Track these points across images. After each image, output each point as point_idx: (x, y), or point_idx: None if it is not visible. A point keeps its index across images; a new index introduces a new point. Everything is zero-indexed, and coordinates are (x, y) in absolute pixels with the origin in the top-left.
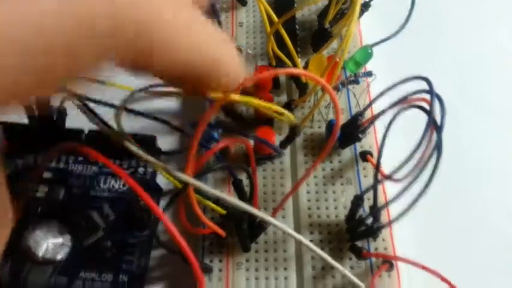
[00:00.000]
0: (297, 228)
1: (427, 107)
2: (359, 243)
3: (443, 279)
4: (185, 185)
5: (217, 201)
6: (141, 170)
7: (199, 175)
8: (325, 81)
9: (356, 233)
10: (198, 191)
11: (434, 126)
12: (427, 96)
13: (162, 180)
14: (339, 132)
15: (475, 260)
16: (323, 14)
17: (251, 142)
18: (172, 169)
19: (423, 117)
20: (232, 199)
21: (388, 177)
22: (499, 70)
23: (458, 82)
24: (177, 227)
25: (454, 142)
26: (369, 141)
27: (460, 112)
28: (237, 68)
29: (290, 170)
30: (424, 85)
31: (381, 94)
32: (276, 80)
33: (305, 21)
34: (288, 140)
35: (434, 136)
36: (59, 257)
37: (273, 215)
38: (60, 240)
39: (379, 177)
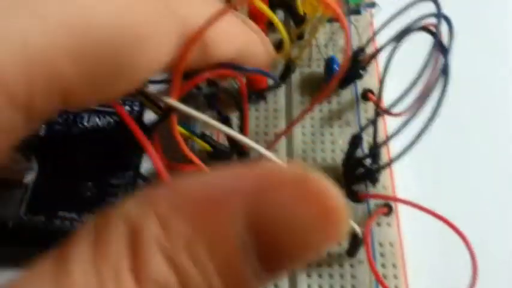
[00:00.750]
0: None
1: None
2: (357, 189)
3: (448, 224)
4: (169, 109)
5: (203, 137)
6: (127, 108)
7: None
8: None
9: (353, 176)
10: (183, 125)
11: (440, 48)
12: (435, 22)
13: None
14: (338, 70)
15: (484, 204)
16: None
17: (243, 78)
18: (157, 94)
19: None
20: (223, 127)
21: (387, 111)
22: None
23: (473, 11)
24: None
25: (461, 71)
26: (371, 79)
27: (473, 44)
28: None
29: (285, 111)
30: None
31: (385, 25)
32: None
33: None
34: (283, 78)
35: (441, 60)
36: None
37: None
38: (27, 165)
39: (378, 111)
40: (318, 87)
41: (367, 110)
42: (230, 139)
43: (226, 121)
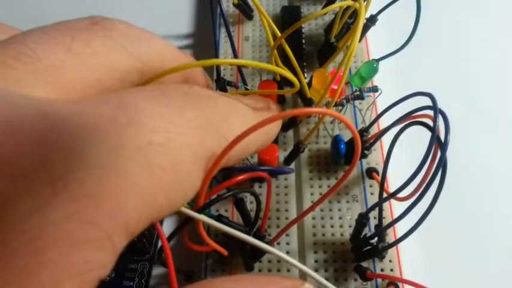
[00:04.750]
0: (301, 247)
1: (430, 123)
2: (365, 264)
3: None
4: (189, 218)
5: (219, 219)
6: None
7: (206, 205)
8: (329, 96)
9: (361, 252)
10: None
11: (438, 144)
12: (432, 113)
13: None
14: (344, 148)
15: (487, 283)
16: (329, 28)
17: (268, 176)
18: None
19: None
20: (234, 231)
21: (393, 196)
22: (508, 83)
23: (467, 96)
24: (181, 240)
25: (462, 157)
26: (375, 157)
27: (470, 127)
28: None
29: (295, 186)
30: (430, 101)
31: (386, 110)
32: (280, 94)
33: (312, 36)
34: (292, 156)
35: (439, 154)
36: None
37: (276, 238)
38: None
39: (384, 195)
40: (325, 163)
41: (373, 184)
42: (245, 220)
43: (240, 204)
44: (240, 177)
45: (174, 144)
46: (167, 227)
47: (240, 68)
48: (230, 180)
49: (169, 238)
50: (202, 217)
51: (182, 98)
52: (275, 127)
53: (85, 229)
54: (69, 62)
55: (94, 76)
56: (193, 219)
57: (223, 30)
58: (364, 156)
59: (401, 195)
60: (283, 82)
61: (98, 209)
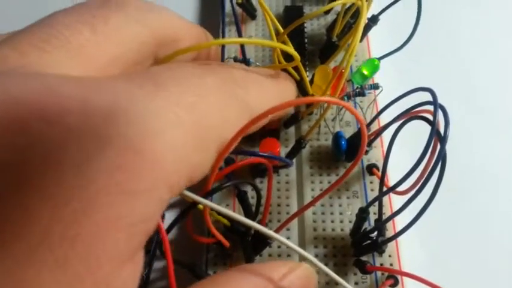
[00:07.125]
0: (302, 242)
1: (431, 118)
2: (364, 258)
3: None
4: (193, 204)
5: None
6: None
7: (208, 194)
8: (330, 92)
9: (361, 247)
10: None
11: (437, 137)
12: (432, 108)
13: None
14: (345, 145)
15: (484, 277)
16: (331, 27)
17: (268, 162)
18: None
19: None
20: (242, 218)
21: (392, 189)
22: (508, 82)
23: (467, 94)
24: (183, 234)
25: (462, 154)
26: (375, 154)
27: (469, 124)
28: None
29: (296, 182)
30: (430, 97)
31: (387, 107)
32: None
33: (314, 35)
34: (294, 152)
35: (438, 147)
36: None
37: (278, 230)
38: None
39: (384, 189)
40: (326, 159)
41: (373, 181)
42: (247, 213)
43: (243, 196)
44: (241, 163)
45: (200, 106)
46: (168, 218)
47: (245, 59)
48: (231, 166)
49: (172, 225)
50: (207, 202)
51: (200, 67)
52: (291, 95)
53: (131, 180)
54: (94, 41)
55: (116, 51)
56: (196, 206)
57: (227, 29)
58: (364, 152)
59: (400, 189)
60: None
61: (141, 161)
